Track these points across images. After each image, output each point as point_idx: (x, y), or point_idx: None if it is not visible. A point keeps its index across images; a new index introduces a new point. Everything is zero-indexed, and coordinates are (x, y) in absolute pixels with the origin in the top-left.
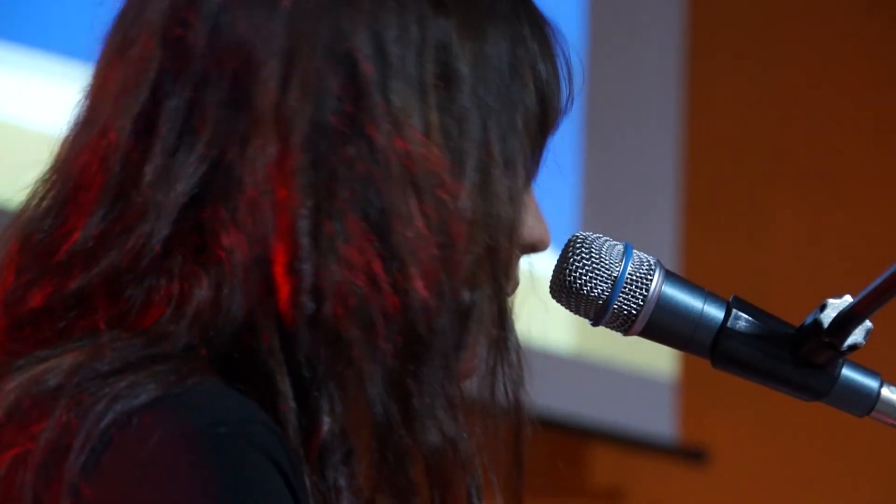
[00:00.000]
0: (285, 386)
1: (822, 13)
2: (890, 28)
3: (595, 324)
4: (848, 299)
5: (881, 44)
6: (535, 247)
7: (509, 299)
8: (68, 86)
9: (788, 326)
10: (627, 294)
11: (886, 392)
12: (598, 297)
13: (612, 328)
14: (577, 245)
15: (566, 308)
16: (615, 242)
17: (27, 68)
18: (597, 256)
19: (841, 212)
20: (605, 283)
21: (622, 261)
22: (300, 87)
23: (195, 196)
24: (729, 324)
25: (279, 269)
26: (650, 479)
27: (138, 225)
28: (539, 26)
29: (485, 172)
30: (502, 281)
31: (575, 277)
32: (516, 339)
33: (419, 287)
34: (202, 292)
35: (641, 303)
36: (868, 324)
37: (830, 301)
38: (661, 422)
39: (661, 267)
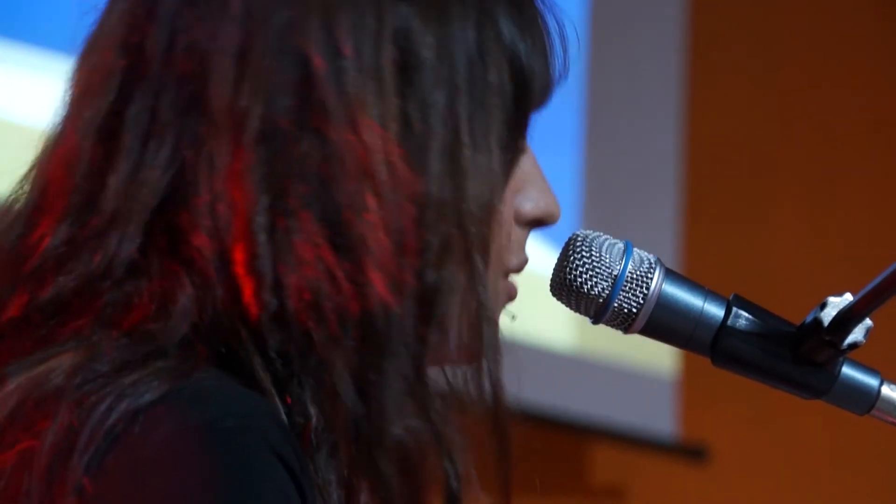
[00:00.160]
0: (267, 382)
1: (822, 10)
2: (891, 26)
3: (595, 322)
4: (848, 297)
5: (882, 41)
6: (541, 220)
7: (490, 280)
8: (55, 80)
9: (789, 325)
10: (628, 292)
11: (886, 390)
12: (599, 296)
13: (612, 326)
14: (578, 243)
15: (566, 306)
16: (615, 241)
17: (17, 63)
18: (597, 255)
19: (841, 210)
20: (606, 281)
21: (622, 259)
22: (251, 86)
23: (165, 200)
24: (729, 322)
25: (240, 270)
26: (650, 477)
27: (109, 231)
28: (516, 4)
29: (452, 155)
30: (477, 262)
31: (575, 276)
32: (494, 324)
33: (375, 279)
34: (185, 290)
35: (642, 301)
36: (868, 322)
37: (831, 299)
38: (661, 419)
39: (662, 265)
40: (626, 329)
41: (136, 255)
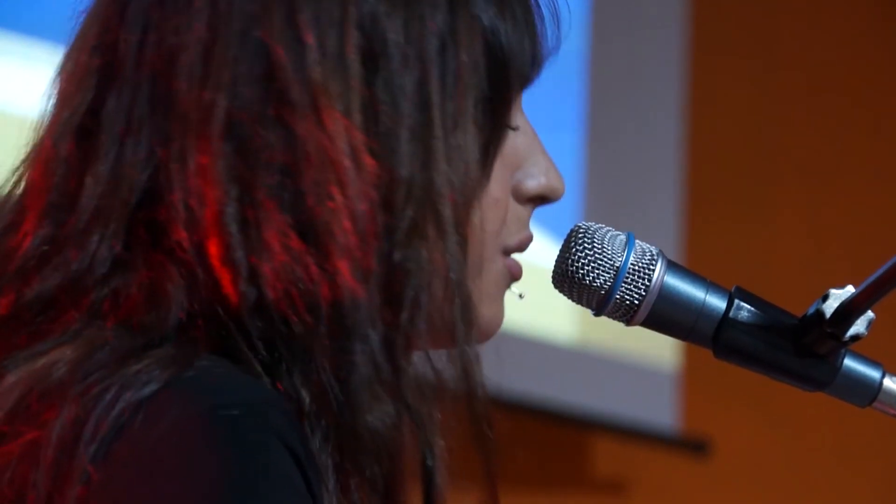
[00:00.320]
0: (259, 368)
1: (822, 10)
2: (890, 26)
3: (597, 314)
4: (850, 290)
5: (881, 39)
6: (543, 196)
7: (485, 259)
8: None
9: (791, 317)
10: (630, 284)
11: (888, 382)
12: (601, 287)
13: (614, 318)
14: (580, 235)
15: (568, 298)
16: (618, 232)
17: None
18: (599, 246)
19: (844, 202)
20: (608, 273)
21: (625, 251)
22: (215, 81)
23: (144, 196)
24: (731, 314)
25: (216, 262)
26: (652, 471)
27: (90, 228)
28: None
29: (423, 137)
30: (451, 242)
31: (577, 267)
32: (469, 305)
33: (341, 266)
34: (172, 279)
35: (644, 293)
36: (870, 314)
37: (833, 291)
38: (663, 413)
39: (664, 257)
40: (628, 321)
41: (120, 249)
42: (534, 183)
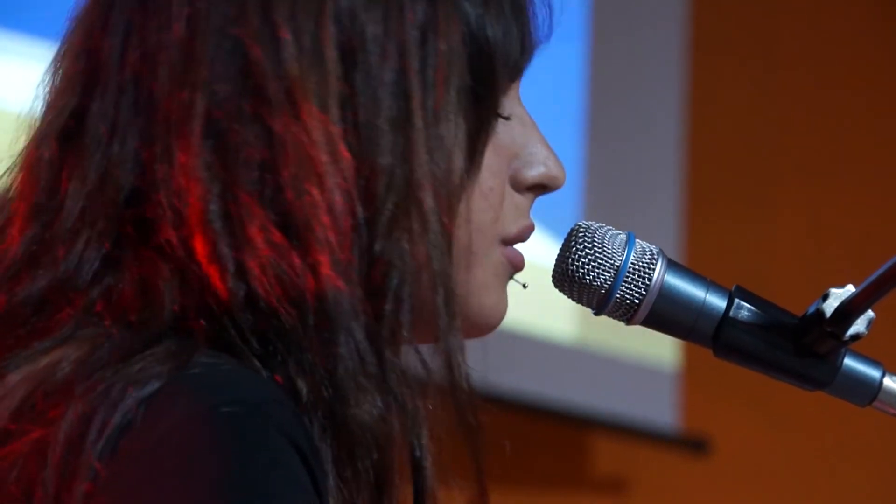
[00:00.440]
0: (256, 362)
1: (823, 10)
2: (890, 25)
3: (598, 313)
4: (850, 289)
5: (883, 40)
6: (543, 185)
7: (481, 249)
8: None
9: (791, 316)
10: (630, 283)
11: (888, 382)
12: (601, 287)
13: (614, 317)
14: (580, 234)
15: (568, 297)
16: (618, 232)
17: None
18: (599, 246)
19: (844, 201)
20: (608, 272)
21: (625, 250)
22: (193, 80)
23: (132, 197)
24: (731, 313)
25: (203, 259)
26: (652, 470)
27: (79, 229)
28: None
29: (403, 128)
30: (434, 233)
31: (577, 267)
32: (451, 296)
33: (322, 259)
34: (163, 276)
35: (644, 292)
36: (870, 313)
37: (833, 291)
38: (662, 412)
39: (664, 256)
40: (629, 320)
41: (109, 248)
42: (532, 172)
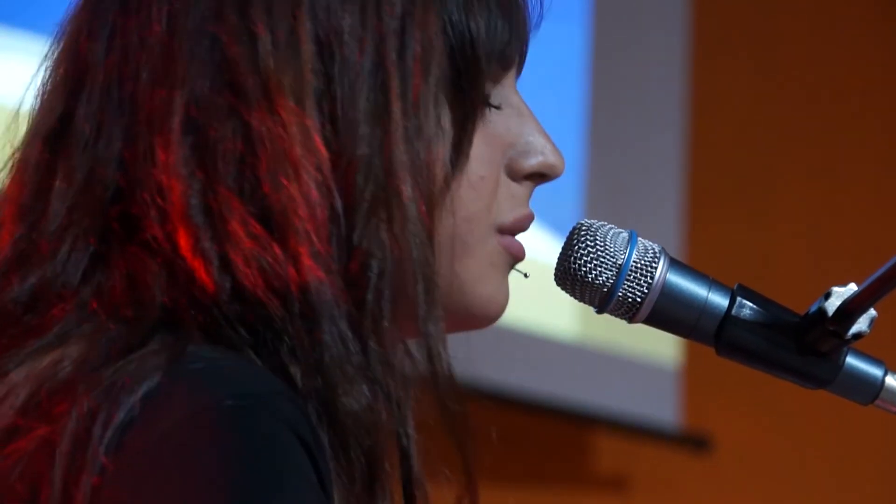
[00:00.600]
0: (249, 354)
1: (824, 12)
2: (892, 25)
3: (600, 311)
4: (853, 288)
5: (884, 42)
6: (541, 174)
7: (476, 238)
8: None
9: (793, 314)
10: (632, 282)
11: (891, 380)
12: (603, 285)
13: (616, 316)
14: (582, 232)
15: (570, 295)
16: (620, 230)
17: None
18: (601, 244)
19: (846, 200)
20: (610, 270)
21: (627, 248)
22: (172, 78)
23: (117, 196)
24: (733, 312)
25: (187, 254)
26: (653, 467)
27: (66, 227)
28: None
29: (381, 120)
30: (413, 222)
31: (580, 265)
32: (432, 287)
33: (302, 251)
34: (151, 270)
35: (646, 290)
36: (872, 312)
37: (835, 289)
38: (664, 409)
39: (666, 254)
40: (631, 318)
41: (96, 245)
42: (529, 161)
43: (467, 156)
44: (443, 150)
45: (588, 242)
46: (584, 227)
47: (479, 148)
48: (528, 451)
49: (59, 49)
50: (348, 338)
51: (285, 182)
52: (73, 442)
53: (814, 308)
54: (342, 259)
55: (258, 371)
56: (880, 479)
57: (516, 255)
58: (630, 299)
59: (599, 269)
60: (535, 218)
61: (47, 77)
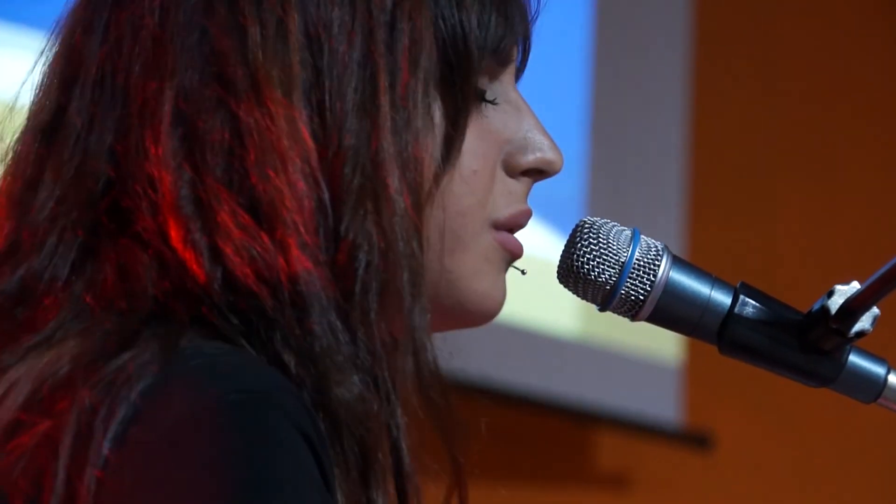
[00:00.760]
0: (242, 343)
1: (825, 11)
2: (892, 24)
3: (602, 309)
4: (856, 286)
5: (884, 41)
6: (538, 170)
7: (470, 233)
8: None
9: (796, 313)
10: (635, 279)
11: (893, 379)
12: (606, 283)
13: (619, 314)
14: (585, 230)
15: (573, 293)
16: (623, 228)
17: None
18: (604, 242)
19: (848, 197)
20: (613, 268)
21: (630, 246)
22: (162, 71)
23: (108, 188)
24: (736, 310)
25: (178, 245)
26: (655, 465)
27: (56, 219)
28: None
29: (369, 113)
30: (399, 216)
31: (582, 263)
32: (418, 281)
33: (290, 242)
34: (143, 262)
35: (649, 288)
36: (875, 310)
37: (838, 287)
38: (666, 407)
39: (669, 252)
40: (633, 316)
41: (86, 237)
42: (526, 157)
43: (459, 150)
44: (432, 143)
45: (591, 240)
46: (587, 225)
47: (473, 142)
48: (529, 448)
49: (55, 44)
50: (338, 328)
51: (272, 173)
52: (76, 436)
53: (817, 306)
54: (330, 250)
55: (258, 365)
56: (882, 478)
57: (513, 252)
58: (633, 297)
59: (602, 266)
60: (537, 216)
61: (43, 71)
